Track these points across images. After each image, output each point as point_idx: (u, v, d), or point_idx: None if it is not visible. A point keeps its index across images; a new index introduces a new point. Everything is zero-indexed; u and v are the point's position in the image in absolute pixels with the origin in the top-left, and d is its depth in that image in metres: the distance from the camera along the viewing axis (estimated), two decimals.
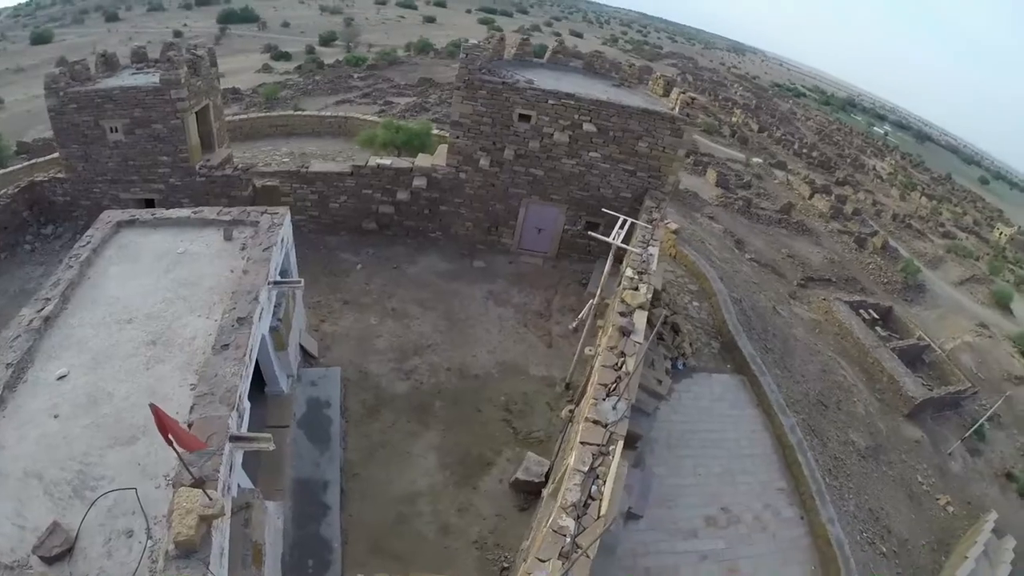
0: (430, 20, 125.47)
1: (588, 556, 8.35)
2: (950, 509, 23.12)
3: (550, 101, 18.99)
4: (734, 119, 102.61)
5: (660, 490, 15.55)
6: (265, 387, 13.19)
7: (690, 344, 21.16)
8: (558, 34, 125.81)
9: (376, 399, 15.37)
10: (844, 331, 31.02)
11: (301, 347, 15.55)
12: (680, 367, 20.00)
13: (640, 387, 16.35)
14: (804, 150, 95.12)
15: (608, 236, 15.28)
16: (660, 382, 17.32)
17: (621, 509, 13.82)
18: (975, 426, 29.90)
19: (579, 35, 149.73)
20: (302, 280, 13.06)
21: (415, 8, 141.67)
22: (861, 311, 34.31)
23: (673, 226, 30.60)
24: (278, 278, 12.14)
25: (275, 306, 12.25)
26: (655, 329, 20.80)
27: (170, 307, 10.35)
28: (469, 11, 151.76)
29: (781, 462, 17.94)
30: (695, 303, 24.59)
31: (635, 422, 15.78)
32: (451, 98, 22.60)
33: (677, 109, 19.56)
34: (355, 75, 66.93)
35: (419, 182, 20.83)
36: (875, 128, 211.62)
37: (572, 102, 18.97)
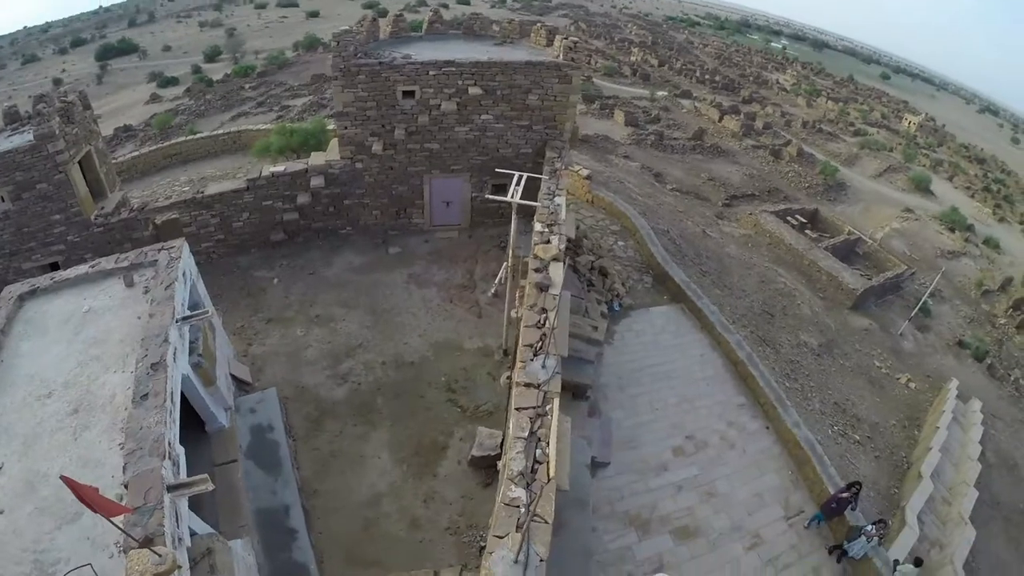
0: (314, 15, 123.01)
1: (546, 522, 8.26)
2: (912, 386, 24.40)
3: (431, 72, 18.88)
4: (633, 58, 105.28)
5: (621, 433, 15.73)
6: (205, 425, 13.01)
7: (622, 284, 21.41)
8: (445, 5, 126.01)
9: (318, 410, 15.25)
10: (775, 240, 32.15)
11: (233, 377, 15.30)
12: (616, 308, 20.17)
13: (575, 337, 16.46)
14: (707, 76, 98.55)
15: (516, 198, 15.20)
16: (596, 328, 17.62)
17: (584, 460, 13.98)
18: (919, 304, 31.76)
19: (466, 2, 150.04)
20: (210, 310, 12.81)
21: (296, 6, 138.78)
22: (788, 218, 35.71)
23: (584, 172, 30.85)
24: (186, 313, 11.98)
25: (192, 342, 12.20)
26: (585, 277, 21.28)
27: (85, 370, 10.41)
28: None
29: (735, 379, 18.37)
30: (620, 243, 24.84)
31: (580, 372, 16.04)
32: None
33: (561, 56, 19.78)
34: (246, 86, 65.74)
35: (317, 182, 20.58)
36: (772, 44, 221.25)
37: (453, 68, 18.91)
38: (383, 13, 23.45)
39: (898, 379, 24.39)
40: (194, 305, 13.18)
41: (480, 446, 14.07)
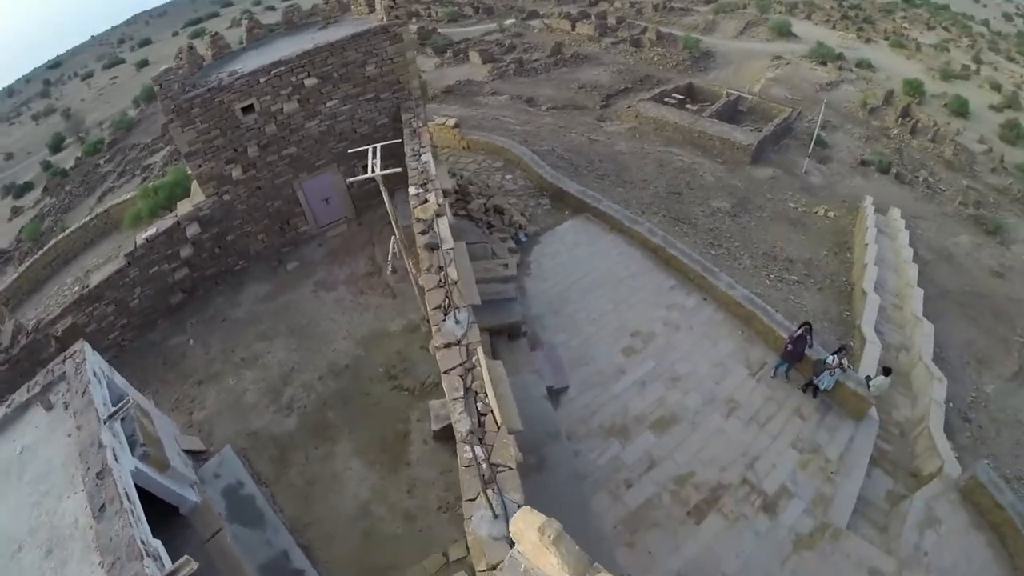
0: (143, 64, 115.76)
1: (510, 467, 8.30)
2: (831, 215, 25.58)
3: (262, 79, 18.44)
4: None
5: (570, 354, 15.84)
6: (179, 509, 12.63)
7: (521, 214, 21.43)
8: (272, 8, 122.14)
9: (277, 448, 15.09)
10: (660, 124, 32.79)
11: (186, 451, 14.72)
12: (523, 239, 20.19)
13: (489, 280, 16.69)
14: None
15: (376, 171, 14.97)
16: (507, 265, 17.77)
17: (541, 394, 14.15)
18: (813, 140, 33.20)
19: None
20: (131, 397, 12.23)
21: (123, 62, 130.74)
22: (666, 100, 36.46)
23: (452, 122, 30.58)
24: (110, 410, 11.58)
25: (130, 436, 11.95)
26: (483, 221, 21.13)
27: (42, 508, 10.18)
28: (176, 33, 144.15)
29: (659, 265, 18.68)
30: (507, 176, 24.75)
31: (506, 312, 16.24)
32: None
33: (384, 18, 19.56)
34: (101, 161, 61.85)
35: (193, 230, 19.84)
36: None
37: (283, 67, 18.54)
38: (217, 35, 22.41)
39: (816, 213, 25.48)
40: (118, 399, 12.79)
41: (437, 419, 14.09)
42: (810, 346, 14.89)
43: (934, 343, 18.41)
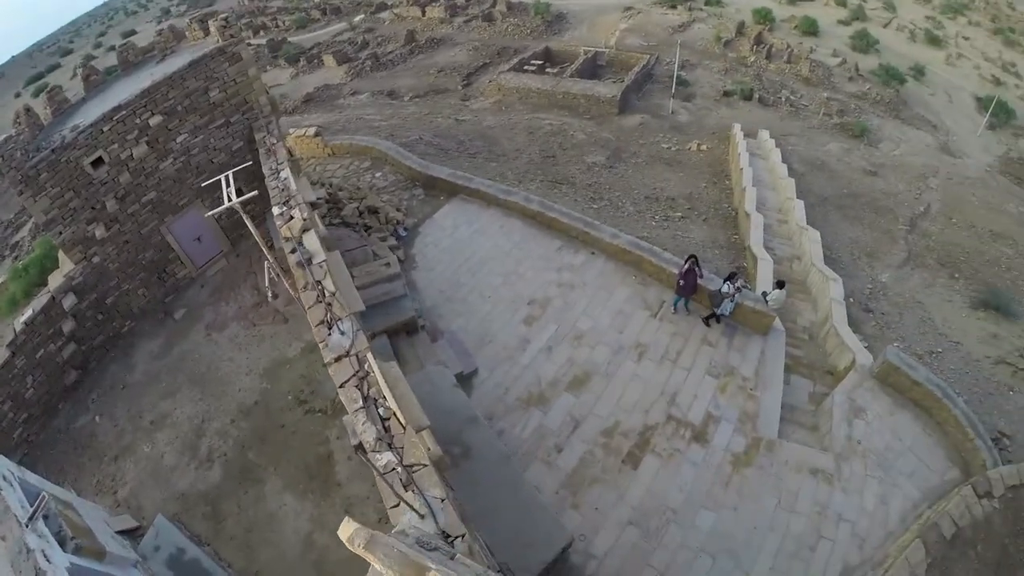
0: None
1: (425, 465, 8.37)
2: (704, 147, 26.89)
3: (104, 128, 17.65)
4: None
5: (471, 337, 15.99)
6: None
7: (397, 209, 21.35)
8: (112, 48, 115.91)
9: (208, 504, 14.77)
10: (524, 92, 33.39)
11: (121, 532, 13.80)
12: (404, 233, 20.13)
13: (374, 284, 16.78)
14: None
15: (232, 199, 15.22)
16: (389, 264, 17.75)
17: (451, 383, 14.23)
18: (674, 80, 34.73)
19: (132, 32, 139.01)
20: (45, 493, 11.20)
21: None
22: (525, 68, 37.16)
23: (311, 131, 30.09)
24: (30, 511, 10.57)
25: (57, 532, 10.94)
26: (359, 224, 20.93)
27: None
28: (18, 94, 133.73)
29: (541, 229, 19.08)
30: (377, 174, 24.59)
31: (399, 311, 16.31)
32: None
33: (220, 40, 19.20)
34: None
35: (70, 301, 18.84)
36: None
37: (124, 111, 17.80)
38: (56, 89, 21.04)
39: (689, 149, 26.69)
40: (35, 498, 11.92)
41: (354, 434, 13.95)
42: (701, 276, 15.57)
43: (823, 247, 19.70)
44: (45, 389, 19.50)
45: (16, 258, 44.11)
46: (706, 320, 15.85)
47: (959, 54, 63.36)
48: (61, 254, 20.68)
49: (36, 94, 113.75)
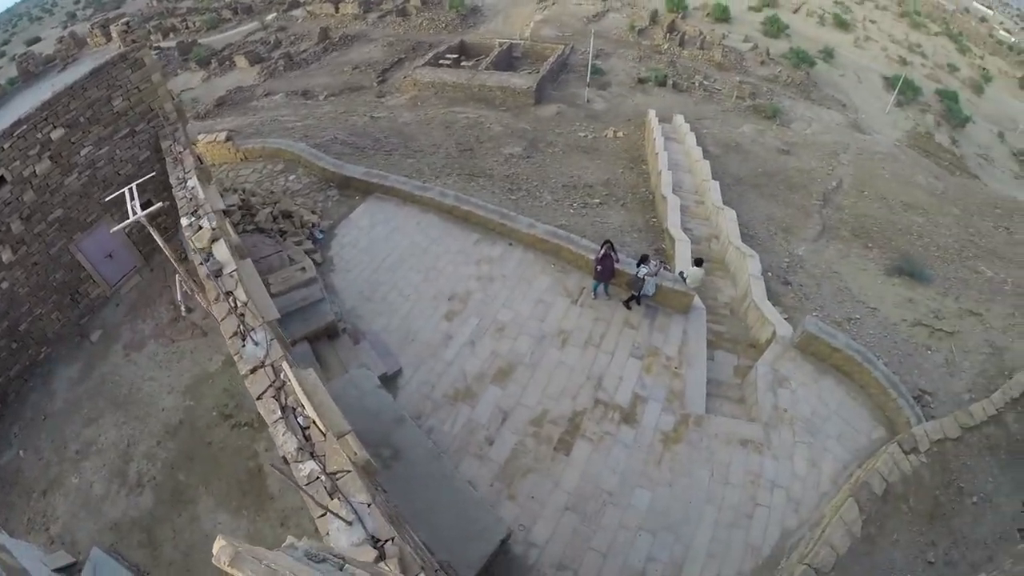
0: None
1: (348, 471, 8.35)
2: (620, 134, 27.36)
3: (4, 146, 16.66)
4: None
5: (392, 336, 15.86)
6: None
7: (312, 212, 20.96)
8: (14, 58, 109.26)
9: (143, 531, 14.33)
10: (439, 86, 33.31)
11: (57, 571, 13.15)
12: (320, 235, 19.75)
13: (290, 289, 16.55)
14: None
15: (136, 212, 14.53)
16: (304, 269, 17.45)
17: (374, 384, 13.99)
18: (589, 69, 35.29)
19: (36, 39, 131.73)
20: None
21: None
22: (441, 62, 37.05)
23: (222, 136, 29.20)
24: None
25: None
26: (274, 230, 20.44)
27: None
28: None
29: (458, 223, 19.09)
30: (291, 177, 24.03)
31: (318, 315, 16.12)
32: None
33: (121, 45, 18.26)
34: None
35: None
36: None
37: (24, 126, 16.78)
38: None
39: (606, 136, 27.13)
40: None
41: (280, 445, 13.77)
42: (617, 261, 15.78)
43: (740, 225, 20.31)
44: None
45: None
46: (626, 303, 16.07)
47: (867, 37, 66.66)
48: None
49: None
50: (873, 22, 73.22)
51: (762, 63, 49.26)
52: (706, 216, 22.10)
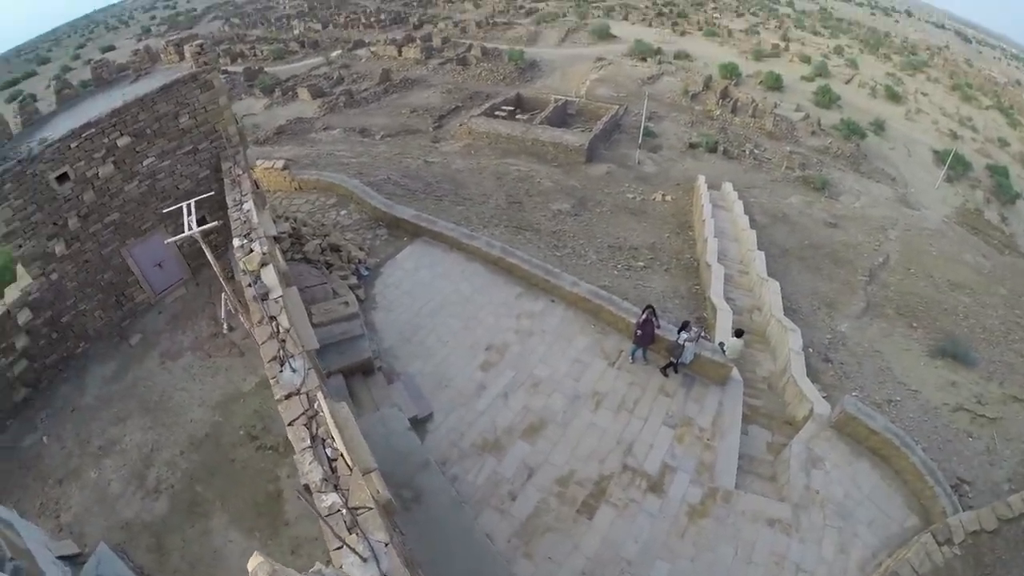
0: None
1: (369, 508, 8.29)
2: (668, 199, 27.46)
3: (73, 144, 17.42)
4: (295, 32, 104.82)
5: (427, 380, 15.89)
6: None
7: (359, 248, 21.36)
8: (91, 61, 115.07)
9: (153, 535, 14.29)
10: (493, 137, 34.01)
11: (61, 558, 13.18)
12: (366, 273, 20.09)
13: (332, 322, 16.71)
14: (372, 19, 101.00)
15: (192, 228, 14.91)
16: (347, 303, 17.64)
17: (404, 426, 14.13)
18: (641, 131, 35.72)
19: (111, 47, 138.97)
20: None
21: None
22: (496, 113, 37.90)
23: (280, 164, 30.11)
24: None
25: None
26: (320, 262, 20.85)
27: None
28: None
29: (503, 275, 19.24)
30: (342, 212, 24.62)
31: (355, 351, 16.21)
32: None
33: (193, 66, 19.18)
34: None
35: (24, 316, 18.38)
36: None
37: (93, 130, 17.59)
38: (27, 100, 20.67)
39: (654, 199, 27.26)
40: None
41: (305, 474, 13.78)
42: (658, 327, 15.71)
43: (783, 298, 19.99)
44: None
45: None
46: (664, 370, 15.92)
47: (918, 109, 66.22)
48: (20, 268, 20.32)
49: (9, 100, 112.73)
50: (924, 95, 72.88)
51: (813, 133, 49.22)
52: (749, 287, 21.91)
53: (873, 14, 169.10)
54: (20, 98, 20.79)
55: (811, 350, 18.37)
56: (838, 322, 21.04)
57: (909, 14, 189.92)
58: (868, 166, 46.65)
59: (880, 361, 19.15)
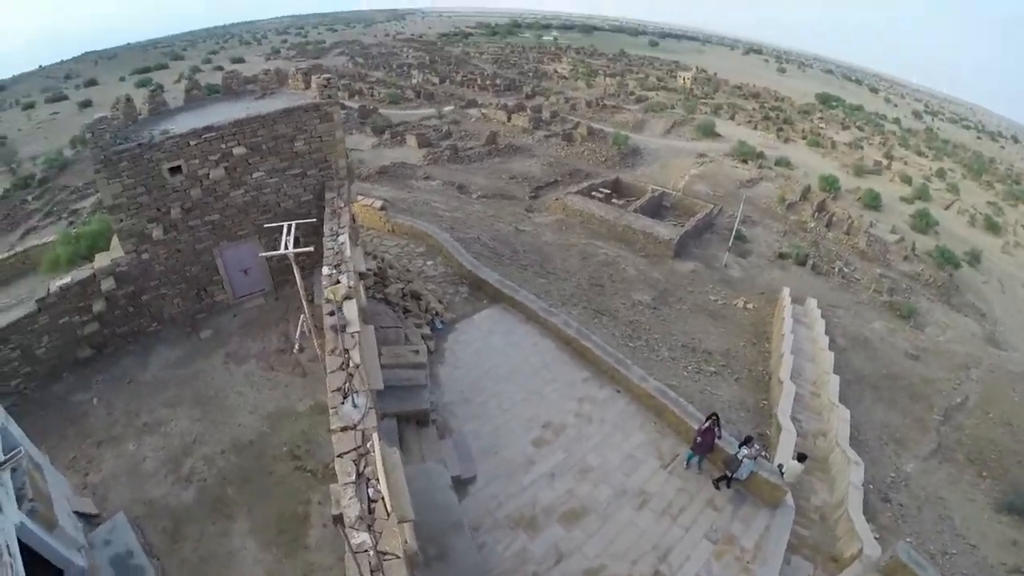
0: (86, 105, 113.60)
1: (398, 557, 8.47)
2: (750, 306, 27.07)
3: (192, 142, 18.66)
4: (414, 80, 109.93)
5: (479, 443, 15.99)
6: (64, 573, 12.02)
7: (439, 301, 21.90)
8: (220, 68, 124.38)
9: (173, 521, 14.52)
10: (587, 217, 34.56)
11: (77, 513, 14.15)
12: (440, 326, 20.57)
13: (399, 366, 17.02)
14: (488, 82, 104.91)
15: (289, 248, 15.55)
16: (417, 352, 18.03)
17: (446, 483, 14.25)
18: (733, 234, 35.62)
19: (240, 60, 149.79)
20: (24, 449, 11.67)
21: (67, 99, 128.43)
22: (593, 193, 38.62)
23: (378, 204, 31.41)
24: (3, 458, 11.03)
25: (19, 488, 11.38)
26: (399, 306, 21.49)
27: None
28: (123, 78, 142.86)
29: (573, 356, 19.33)
30: (429, 262, 25.40)
31: (414, 399, 16.55)
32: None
33: (318, 96, 20.36)
34: (29, 198, 60.31)
35: (108, 284, 19.45)
36: (544, 37, 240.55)
37: (214, 134, 18.83)
38: (157, 89, 22.71)
39: (736, 305, 26.93)
40: (11, 448, 12.17)
41: (338, 504, 13.91)
42: (719, 437, 15.43)
43: (851, 427, 19.33)
44: (56, 354, 19.89)
45: (71, 223, 46.02)
46: (716, 482, 15.55)
47: (1016, 243, 63.26)
48: (115, 239, 21.53)
49: (139, 85, 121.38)
50: None
51: (905, 258, 47.58)
52: (819, 410, 21.23)
53: (979, 138, 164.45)
54: (151, 87, 22.49)
55: (871, 486, 17.73)
56: (904, 461, 20.20)
57: (1016, 140, 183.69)
58: (959, 298, 44.66)
59: (941, 508, 18.26)
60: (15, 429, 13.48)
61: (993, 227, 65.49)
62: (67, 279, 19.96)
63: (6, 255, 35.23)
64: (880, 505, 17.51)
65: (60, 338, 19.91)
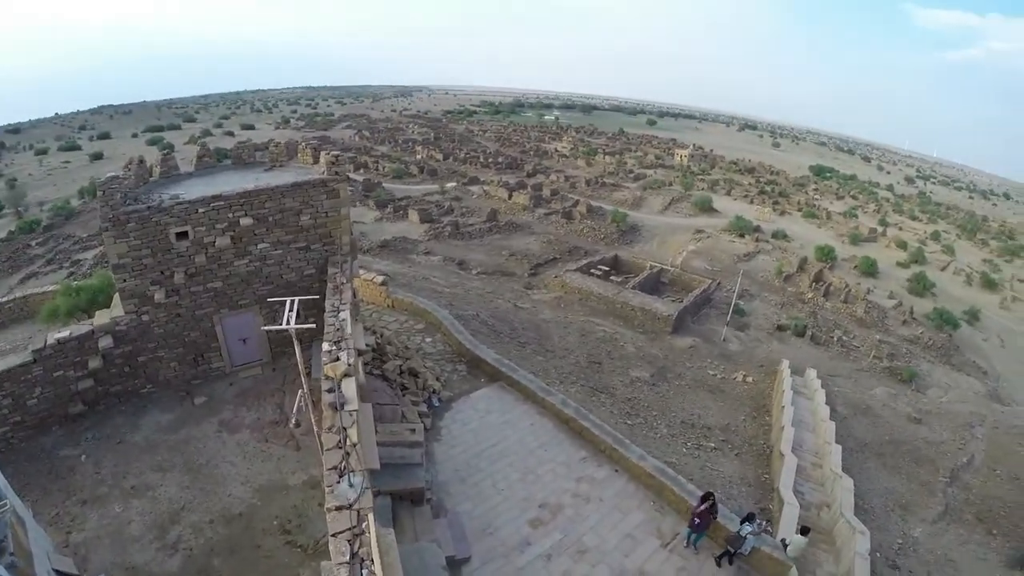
0: (97, 157, 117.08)
1: None
2: (749, 380, 26.88)
3: (200, 209, 18.99)
4: (418, 156, 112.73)
5: (474, 523, 15.71)
6: None
7: (436, 378, 21.90)
8: (230, 133, 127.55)
9: None
10: (585, 293, 34.86)
11: (57, 572, 13.39)
12: (437, 404, 20.57)
13: (394, 444, 16.91)
14: (490, 160, 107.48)
15: (291, 323, 15.46)
16: (414, 430, 17.91)
17: (439, 563, 13.91)
18: (731, 308, 35.76)
19: (251, 127, 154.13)
20: (9, 501, 11.17)
21: (79, 148, 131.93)
22: (592, 271, 39.10)
23: (379, 279, 31.70)
24: None
25: (0, 541, 10.50)
26: (396, 382, 21.44)
27: None
28: (135, 134, 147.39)
29: (570, 436, 19.20)
30: (427, 339, 25.49)
31: (409, 478, 16.41)
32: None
33: (326, 172, 20.89)
34: (33, 243, 60.80)
35: (106, 342, 19.41)
36: (546, 117, 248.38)
37: (222, 202, 19.19)
38: (169, 151, 23.28)
39: (735, 379, 26.78)
40: None
41: None
42: (714, 517, 15.12)
43: (856, 495, 18.92)
44: (48, 406, 19.62)
45: (72, 274, 46.38)
46: (718, 560, 15.13)
47: (1014, 298, 63.20)
48: (116, 297, 21.41)
49: (151, 143, 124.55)
50: (1021, 281, 69.31)
51: (904, 322, 47.49)
52: (822, 480, 20.79)
53: (971, 197, 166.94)
54: (162, 147, 22.95)
55: (879, 554, 17.26)
56: (912, 526, 19.68)
57: (1008, 196, 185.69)
58: (960, 358, 44.27)
59: (952, 571, 17.78)
60: (1, 480, 13.34)
61: (990, 284, 66.02)
62: (65, 332, 19.97)
63: (5, 299, 35.71)
64: (888, 573, 17.08)
65: (53, 391, 19.70)
